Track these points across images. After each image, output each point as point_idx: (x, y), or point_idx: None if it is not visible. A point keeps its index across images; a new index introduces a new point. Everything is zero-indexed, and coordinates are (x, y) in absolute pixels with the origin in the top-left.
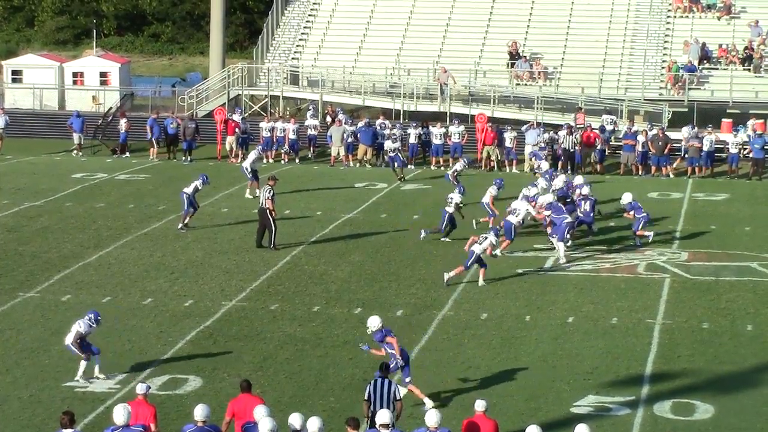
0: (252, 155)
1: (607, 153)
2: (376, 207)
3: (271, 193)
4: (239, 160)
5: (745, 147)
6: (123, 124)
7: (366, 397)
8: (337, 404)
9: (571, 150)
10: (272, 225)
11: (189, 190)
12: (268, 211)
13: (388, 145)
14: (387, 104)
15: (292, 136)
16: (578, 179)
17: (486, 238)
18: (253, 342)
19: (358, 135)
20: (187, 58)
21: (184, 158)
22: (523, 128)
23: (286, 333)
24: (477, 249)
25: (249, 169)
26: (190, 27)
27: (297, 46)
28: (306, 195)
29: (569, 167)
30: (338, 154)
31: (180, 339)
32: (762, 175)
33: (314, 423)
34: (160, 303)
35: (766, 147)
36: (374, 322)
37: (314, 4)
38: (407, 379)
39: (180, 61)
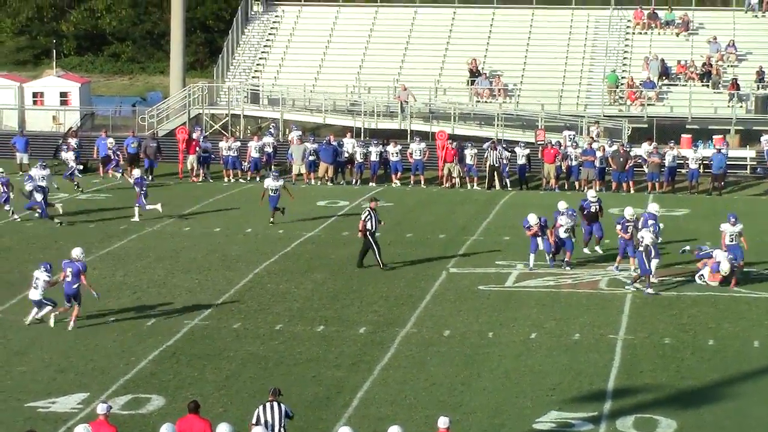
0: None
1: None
2: (338, 225)
3: (366, 215)
4: (200, 179)
5: (705, 162)
6: (72, 143)
7: (254, 421)
8: (301, 422)
9: (496, 165)
10: (373, 245)
11: None
12: (361, 232)
13: None
14: (348, 122)
15: (254, 154)
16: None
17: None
18: (216, 360)
19: (319, 153)
20: (147, 77)
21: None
22: (485, 145)
23: (248, 351)
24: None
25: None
26: (150, 46)
27: (257, 64)
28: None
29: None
30: (299, 171)
31: (143, 358)
32: (722, 191)
33: None
34: (123, 322)
35: (726, 162)
36: None
37: (274, 22)
38: None
39: (140, 80)
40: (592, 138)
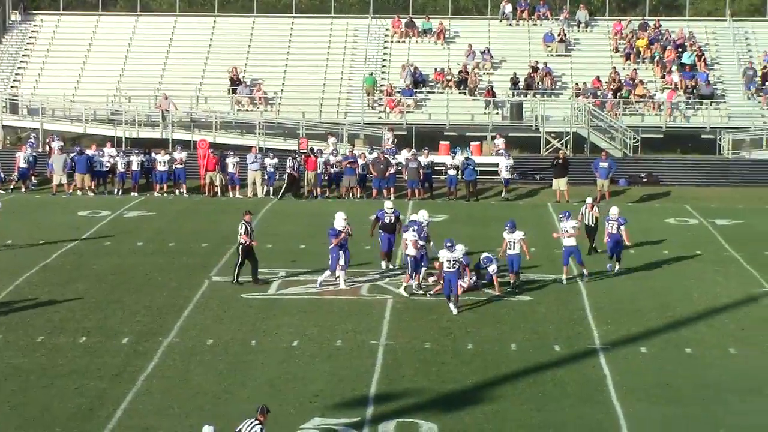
0: None
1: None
2: (100, 235)
3: (243, 228)
4: None
5: (461, 169)
6: None
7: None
8: None
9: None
10: (240, 259)
11: None
12: (241, 246)
13: None
14: (109, 131)
15: (22, 164)
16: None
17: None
18: None
19: (74, 163)
20: None
21: None
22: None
23: (9, 364)
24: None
25: None
26: None
27: (16, 74)
28: (29, 224)
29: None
30: (60, 182)
31: None
32: (479, 196)
33: None
34: None
35: (477, 168)
36: None
37: (32, 32)
38: None
39: None
40: (389, 145)
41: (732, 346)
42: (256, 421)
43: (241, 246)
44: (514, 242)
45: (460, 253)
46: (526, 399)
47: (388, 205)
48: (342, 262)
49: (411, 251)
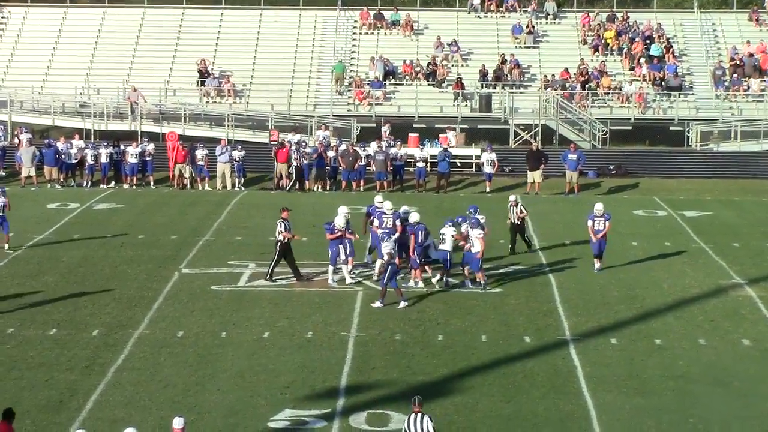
0: None
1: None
2: (69, 227)
3: (283, 226)
4: None
5: (432, 161)
6: None
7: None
8: (34, 427)
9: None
10: (277, 257)
11: None
12: (288, 239)
13: None
14: (77, 123)
15: None
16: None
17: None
18: None
19: (43, 156)
20: None
21: None
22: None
23: None
24: None
25: None
26: None
27: None
28: None
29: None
30: (28, 174)
31: None
32: (447, 189)
33: None
34: None
35: (450, 161)
36: None
37: (0, 24)
38: None
39: None
40: (387, 137)
41: (701, 337)
42: (419, 414)
43: (279, 243)
44: (473, 238)
45: (392, 244)
46: (497, 390)
47: (378, 199)
48: (343, 256)
49: (448, 246)
